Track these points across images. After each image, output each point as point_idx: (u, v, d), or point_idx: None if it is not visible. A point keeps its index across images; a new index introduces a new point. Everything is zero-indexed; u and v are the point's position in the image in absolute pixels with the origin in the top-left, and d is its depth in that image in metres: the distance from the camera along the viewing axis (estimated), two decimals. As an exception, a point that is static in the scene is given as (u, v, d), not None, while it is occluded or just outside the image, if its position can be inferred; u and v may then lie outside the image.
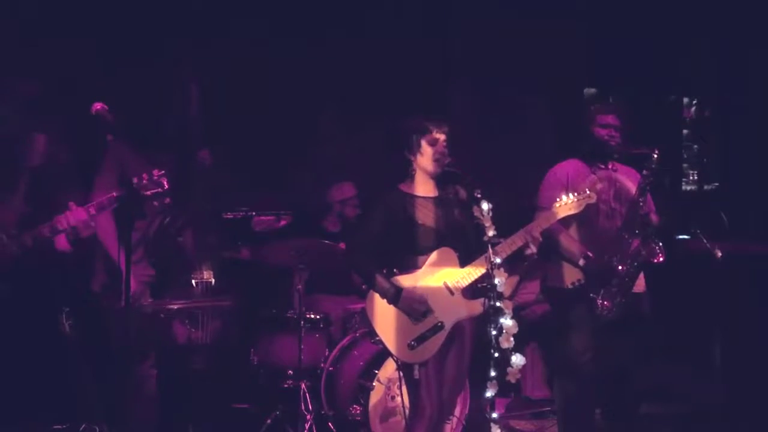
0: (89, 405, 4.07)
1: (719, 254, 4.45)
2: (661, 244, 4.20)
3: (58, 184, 3.31)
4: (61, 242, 3.26)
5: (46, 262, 3.28)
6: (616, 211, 4.33)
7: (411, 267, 3.83)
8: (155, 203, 3.24)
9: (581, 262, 4.21)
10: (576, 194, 3.94)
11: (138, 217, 3.96)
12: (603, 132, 4.36)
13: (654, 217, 4.36)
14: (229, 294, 4.80)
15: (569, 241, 4.27)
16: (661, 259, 4.19)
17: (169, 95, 4.07)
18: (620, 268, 4.17)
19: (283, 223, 5.62)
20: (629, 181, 4.38)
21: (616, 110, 4.42)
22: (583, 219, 4.19)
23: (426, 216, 3.84)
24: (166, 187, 3.20)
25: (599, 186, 4.29)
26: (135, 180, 3.17)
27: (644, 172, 4.26)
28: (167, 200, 3.27)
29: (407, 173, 3.90)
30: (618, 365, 4.31)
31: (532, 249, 3.79)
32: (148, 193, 3.16)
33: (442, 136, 3.82)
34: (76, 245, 3.26)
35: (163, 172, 3.23)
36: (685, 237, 4.73)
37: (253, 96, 5.92)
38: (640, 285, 4.33)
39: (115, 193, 3.25)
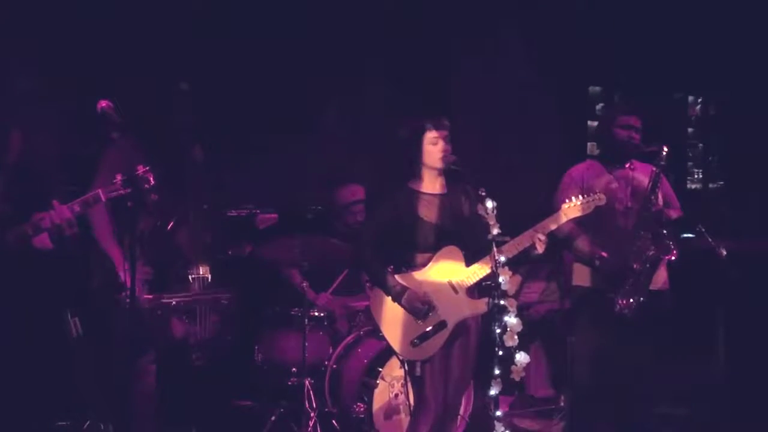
0: (92, 403, 4.07)
1: (724, 253, 4.43)
2: (674, 240, 4.17)
3: (39, 181, 3.28)
4: (42, 240, 3.21)
5: (28, 260, 3.24)
6: (633, 209, 4.29)
7: (413, 264, 3.84)
8: (145, 200, 3.21)
9: (596, 263, 4.19)
10: (585, 196, 3.90)
11: (141, 214, 3.94)
12: (624, 133, 4.31)
13: (672, 213, 4.32)
14: (226, 288, 4.79)
15: (583, 244, 4.25)
16: (673, 256, 4.15)
17: (168, 92, 4.05)
18: (635, 266, 4.14)
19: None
20: (647, 179, 4.31)
21: (636, 111, 4.38)
22: (600, 220, 4.15)
23: (429, 212, 3.84)
24: (152, 183, 3.16)
25: (614, 185, 4.26)
26: (119, 177, 3.13)
27: (653, 168, 4.23)
28: (154, 196, 3.24)
29: (414, 171, 3.90)
30: (633, 366, 4.26)
31: (539, 250, 3.77)
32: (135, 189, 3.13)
33: (444, 133, 3.83)
34: (59, 244, 3.22)
35: (148, 168, 3.18)
36: (690, 235, 4.71)
37: (254, 95, 5.91)
38: (662, 282, 4.30)
39: (99, 190, 3.19)
